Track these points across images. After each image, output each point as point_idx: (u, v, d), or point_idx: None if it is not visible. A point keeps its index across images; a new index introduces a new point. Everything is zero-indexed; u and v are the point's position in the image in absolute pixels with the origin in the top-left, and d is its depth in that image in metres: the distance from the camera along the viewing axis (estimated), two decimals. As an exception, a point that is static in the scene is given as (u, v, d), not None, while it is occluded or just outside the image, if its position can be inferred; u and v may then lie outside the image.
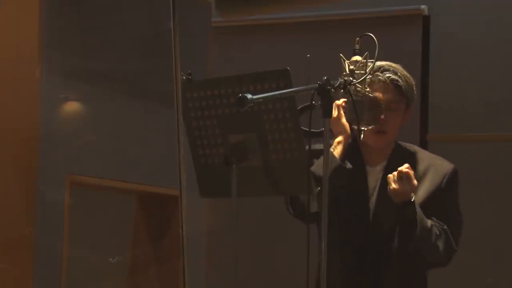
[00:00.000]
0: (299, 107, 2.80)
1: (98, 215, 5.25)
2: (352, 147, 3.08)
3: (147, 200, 5.63)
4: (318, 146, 2.78)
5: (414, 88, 3.12)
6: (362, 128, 2.93)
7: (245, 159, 2.82)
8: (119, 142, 5.05)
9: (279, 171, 2.80)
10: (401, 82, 3.04)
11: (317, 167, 2.85)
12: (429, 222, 2.96)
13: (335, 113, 2.98)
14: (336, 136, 3.03)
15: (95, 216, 5.21)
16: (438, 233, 2.97)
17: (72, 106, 4.84)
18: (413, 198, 2.93)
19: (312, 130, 2.76)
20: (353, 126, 3.00)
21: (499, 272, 5.59)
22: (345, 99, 3.02)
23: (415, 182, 2.92)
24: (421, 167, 3.06)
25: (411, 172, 2.91)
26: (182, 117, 2.74)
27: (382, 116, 3.00)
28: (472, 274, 5.60)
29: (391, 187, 2.92)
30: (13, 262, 4.33)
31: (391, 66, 3.06)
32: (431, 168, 3.08)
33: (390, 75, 3.03)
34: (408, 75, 3.10)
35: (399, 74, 3.05)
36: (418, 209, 2.94)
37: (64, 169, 4.67)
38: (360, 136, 2.95)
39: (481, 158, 5.70)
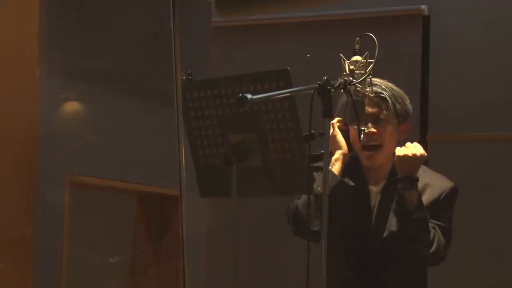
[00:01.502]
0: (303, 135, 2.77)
1: (98, 215, 5.25)
2: (354, 167, 3.09)
3: (147, 200, 5.62)
4: (318, 164, 2.76)
5: (407, 103, 3.11)
6: (362, 128, 2.93)
7: (245, 159, 2.82)
8: (119, 142, 5.04)
9: (279, 171, 2.80)
10: (385, 94, 3.04)
11: (319, 185, 2.83)
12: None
13: (330, 131, 2.98)
14: (333, 154, 3.04)
15: (95, 216, 5.21)
16: (432, 228, 2.97)
17: (72, 106, 4.84)
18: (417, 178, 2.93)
19: (312, 153, 2.73)
20: (353, 126, 3.00)
21: (499, 272, 5.59)
22: (340, 119, 3.04)
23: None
24: (420, 184, 3.02)
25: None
26: (182, 117, 2.74)
27: (373, 130, 3.01)
28: (472, 274, 5.60)
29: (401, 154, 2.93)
30: (13, 262, 4.33)
31: (377, 81, 3.06)
32: (430, 186, 3.08)
33: (375, 88, 3.03)
34: (399, 90, 3.10)
35: (383, 86, 3.06)
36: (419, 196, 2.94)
37: (64, 169, 4.67)
38: (360, 136, 2.94)
39: (481, 158, 5.69)
